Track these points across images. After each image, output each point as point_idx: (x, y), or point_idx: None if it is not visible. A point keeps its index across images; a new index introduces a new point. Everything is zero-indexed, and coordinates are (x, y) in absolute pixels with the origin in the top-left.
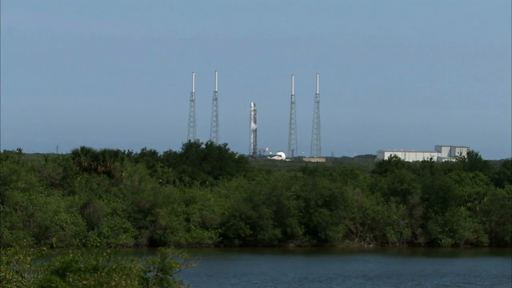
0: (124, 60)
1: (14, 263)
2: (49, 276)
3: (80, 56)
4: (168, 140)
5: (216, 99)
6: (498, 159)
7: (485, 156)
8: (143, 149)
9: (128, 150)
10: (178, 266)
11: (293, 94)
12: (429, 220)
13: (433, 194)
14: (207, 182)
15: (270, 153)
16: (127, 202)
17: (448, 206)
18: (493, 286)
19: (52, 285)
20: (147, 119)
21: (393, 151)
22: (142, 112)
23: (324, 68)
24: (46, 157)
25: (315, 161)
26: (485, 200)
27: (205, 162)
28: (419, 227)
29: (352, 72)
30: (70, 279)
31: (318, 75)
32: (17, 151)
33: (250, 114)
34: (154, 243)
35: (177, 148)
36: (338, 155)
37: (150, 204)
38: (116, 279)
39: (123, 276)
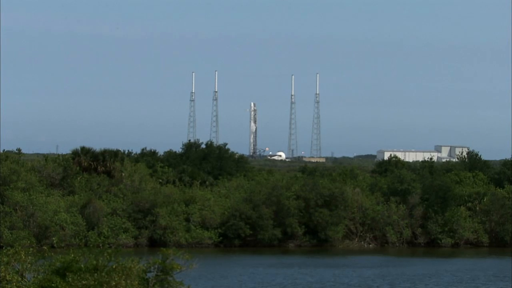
0: (124, 60)
1: (15, 263)
2: (49, 276)
3: (80, 56)
4: (168, 140)
5: (216, 99)
6: (498, 159)
7: (485, 156)
8: (143, 149)
9: (128, 150)
10: (179, 267)
11: (293, 94)
12: (429, 220)
13: (433, 194)
14: (207, 182)
15: (270, 153)
16: (127, 202)
17: (448, 206)
18: (493, 286)
19: (52, 285)
20: (147, 119)
21: (393, 151)
22: (142, 112)
23: (324, 68)
24: (46, 157)
25: (315, 161)
26: (485, 200)
27: (205, 162)
28: (419, 227)
29: (352, 72)
30: (70, 279)
31: (318, 75)
32: (17, 151)
33: (250, 114)
34: (154, 243)
35: (177, 148)
36: (338, 155)
37: (150, 204)
38: (116, 279)
39: (123, 276)
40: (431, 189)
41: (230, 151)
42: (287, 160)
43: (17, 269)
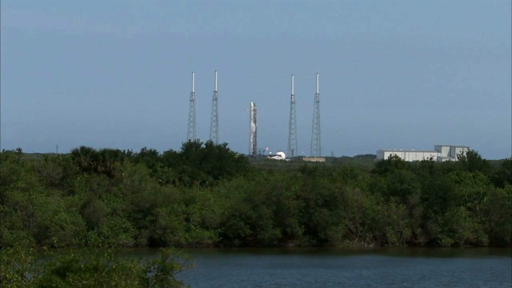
0: (124, 60)
1: (15, 262)
2: (49, 276)
3: (80, 56)
4: (168, 140)
5: (216, 99)
6: (498, 159)
7: (485, 156)
8: (143, 149)
9: (128, 150)
10: (179, 267)
11: (293, 94)
12: (429, 220)
13: (433, 194)
14: (207, 182)
15: (270, 153)
16: (127, 202)
17: (448, 206)
18: (492, 286)
19: (52, 285)
20: (147, 119)
21: (393, 151)
22: (142, 112)
23: (324, 68)
24: (46, 157)
25: (315, 161)
26: (485, 200)
27: (205, 162)
28: (419, 227)
29: (352, 72)
30: (70, 279)
31: (318, 75)
32: (17, 151)
33: (250, 114)
34: (154, 243)
35: (177, 148)
36: (338, 155)
37: (150, 204)
38: (116, 279)
39: (123, 276)
40: (431, 189)
41: (230, 151)
42: (287, 160)
43: (17, 269)
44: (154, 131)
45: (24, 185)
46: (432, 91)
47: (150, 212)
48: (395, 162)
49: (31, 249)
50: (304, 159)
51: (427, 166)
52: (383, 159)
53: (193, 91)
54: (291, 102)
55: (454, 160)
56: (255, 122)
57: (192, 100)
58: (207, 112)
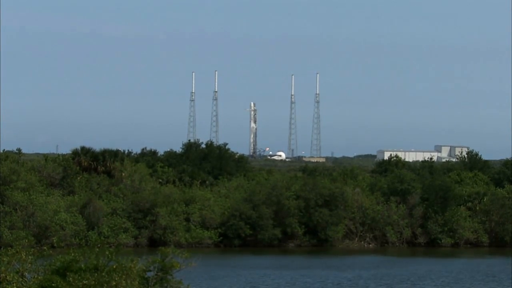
0: (124, 60)
1: (15, 262)
2: (49, 276)
3: (80, 56)
4: (168, 140)
5: (216, 99)
6: (498, 159)
7: (485, 156)
8: (143, 149)
9: (128, 150)
10: (178, 265)
11: (293, 94)
12: (429, 220)
13: (433, 194)
14: (207, 182)
15: (270, 153)
16: (127, 202)
17: (448, 206)
18: (492, 286)
19: (53, 285)
20: (147, 119)
21: (393, 151)
22: (142, 112)
23: (324, 68)
24: (46, 157)
25: (315, 161)
26: (485, 200)
27: (205, 162)
28: (419, 227)
29: (352, 72)
30: (71, 279)
31: (318, 75)
32: (17, 151)
33: (250, 114)
34: (154, 243)
35: (177, 148)
36: (338, 155)
37: (150, 204)
38: (116, 279)
39: (123, 276)
40: (431, 189)
41: (230, 151)
42: (287, 160)
43: (17, 269)
44: (154, 131)
45: (24, 185)
46: (432, 91)
47: (150, 212)
48: (395, 162)
49: (31, 249)
50: (304, 159)
51: (427, 166)
52: (383, 159)
53: (193, 91)
54: (291, 102)
55: (454, 160)
56: (255, 122)
57: (192, 100)
58: (207, 112)
